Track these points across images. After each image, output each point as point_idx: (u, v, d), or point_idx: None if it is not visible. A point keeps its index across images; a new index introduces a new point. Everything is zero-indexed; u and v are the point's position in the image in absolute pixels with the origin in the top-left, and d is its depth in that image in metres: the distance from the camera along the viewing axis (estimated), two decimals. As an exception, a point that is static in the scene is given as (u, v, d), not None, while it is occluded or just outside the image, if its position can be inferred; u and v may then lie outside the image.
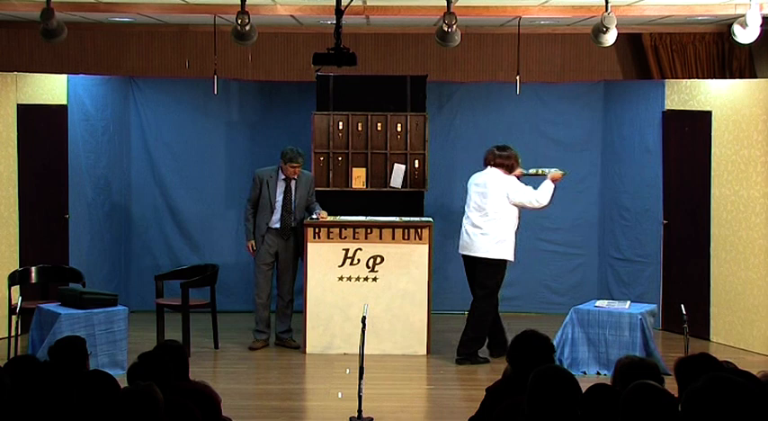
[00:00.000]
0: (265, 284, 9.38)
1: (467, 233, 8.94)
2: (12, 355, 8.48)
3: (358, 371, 6.97)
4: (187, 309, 9.01)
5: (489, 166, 8.92)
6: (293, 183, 9.27)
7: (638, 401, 3.91)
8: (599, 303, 8.83)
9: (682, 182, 10.01)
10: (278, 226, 9.25)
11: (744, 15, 7.49)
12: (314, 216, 9.20)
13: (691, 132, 9.91)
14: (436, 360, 9.02)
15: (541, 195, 8.81)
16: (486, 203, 8.85)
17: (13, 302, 8.98)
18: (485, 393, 5.12)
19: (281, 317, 9.40)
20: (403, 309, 9.14)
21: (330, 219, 9.23)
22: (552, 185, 8.84)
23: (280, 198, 9.25)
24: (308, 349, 9.15)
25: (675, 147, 10.06)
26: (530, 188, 8.85)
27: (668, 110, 10.13)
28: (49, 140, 9.91)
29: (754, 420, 3.41)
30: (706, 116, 9.73)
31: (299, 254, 9.34)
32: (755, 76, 10.23)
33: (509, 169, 8.88)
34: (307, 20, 9.77)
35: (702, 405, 3.45)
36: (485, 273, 8.88)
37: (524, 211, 10.79)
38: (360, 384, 6.94)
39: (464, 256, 9.04)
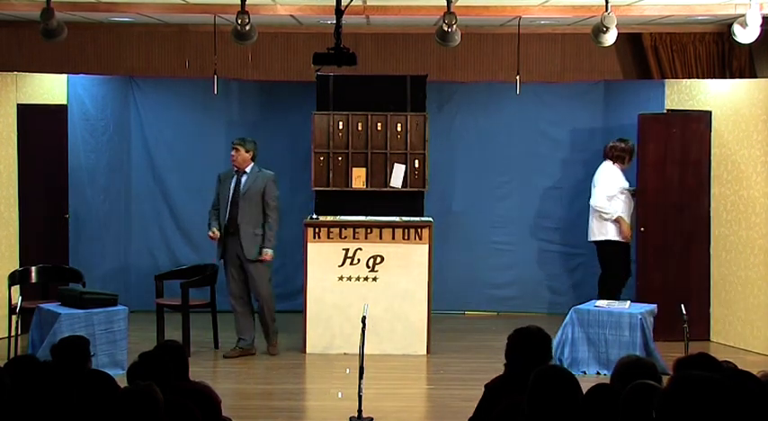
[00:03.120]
0: (234, 287, 9.08)
1: (589, 220, 9.97)
2: (12, 355, 8.48)
3: (358, 371, 6.96)
4: (187, 309, 9.01)
5: (605, 159, 9.92)
6: (244, 177, 9.07)
7: (637, 401, 3.91)
8: (599, 303, 8.83)
9: (682, 182, 9.99)
10: (226, 221, 9.03)
11: (744, 15, 7.50)
12: (262, 255, 8.92)
13: (691, 132, 9.89)
14: (436, 360, 9.02)
15: (606, 212, 9.80)
16: (594, 192, 9.89)
17: (13, 302, 8.99)
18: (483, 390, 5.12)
19: (258, 320, 9.16)
20: (403, 309, 9.14)
21: (330, 219, 9.23)
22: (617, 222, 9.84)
23: (231, 192, 9.06)
24: (308, 349, 9.15)
25: (671, 147, 10.03)
26: (604, 198, 9.77)
27: (669, 109, 10.14)
28: (49, 140, 9.90)
29: (729, 413, 3.37)
30: (706, 116, 9.73)
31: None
32: (755, 76, 10.23)
33: (621, 160, 9.86)
34: (307, 20, 9.77)
35: (675, 408, 3.40)
36: (603, 254, 9.97)
37: (528, 213, 10.85)
38: (360, 384, 6.94)
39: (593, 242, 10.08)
